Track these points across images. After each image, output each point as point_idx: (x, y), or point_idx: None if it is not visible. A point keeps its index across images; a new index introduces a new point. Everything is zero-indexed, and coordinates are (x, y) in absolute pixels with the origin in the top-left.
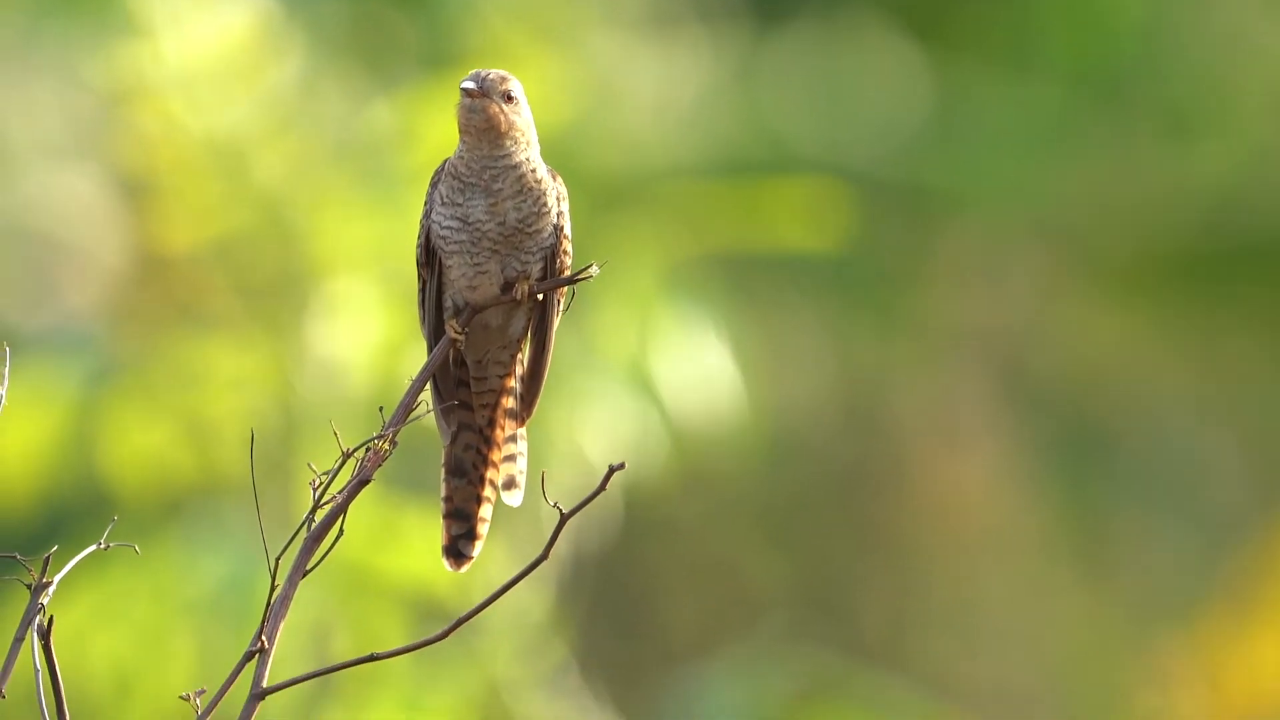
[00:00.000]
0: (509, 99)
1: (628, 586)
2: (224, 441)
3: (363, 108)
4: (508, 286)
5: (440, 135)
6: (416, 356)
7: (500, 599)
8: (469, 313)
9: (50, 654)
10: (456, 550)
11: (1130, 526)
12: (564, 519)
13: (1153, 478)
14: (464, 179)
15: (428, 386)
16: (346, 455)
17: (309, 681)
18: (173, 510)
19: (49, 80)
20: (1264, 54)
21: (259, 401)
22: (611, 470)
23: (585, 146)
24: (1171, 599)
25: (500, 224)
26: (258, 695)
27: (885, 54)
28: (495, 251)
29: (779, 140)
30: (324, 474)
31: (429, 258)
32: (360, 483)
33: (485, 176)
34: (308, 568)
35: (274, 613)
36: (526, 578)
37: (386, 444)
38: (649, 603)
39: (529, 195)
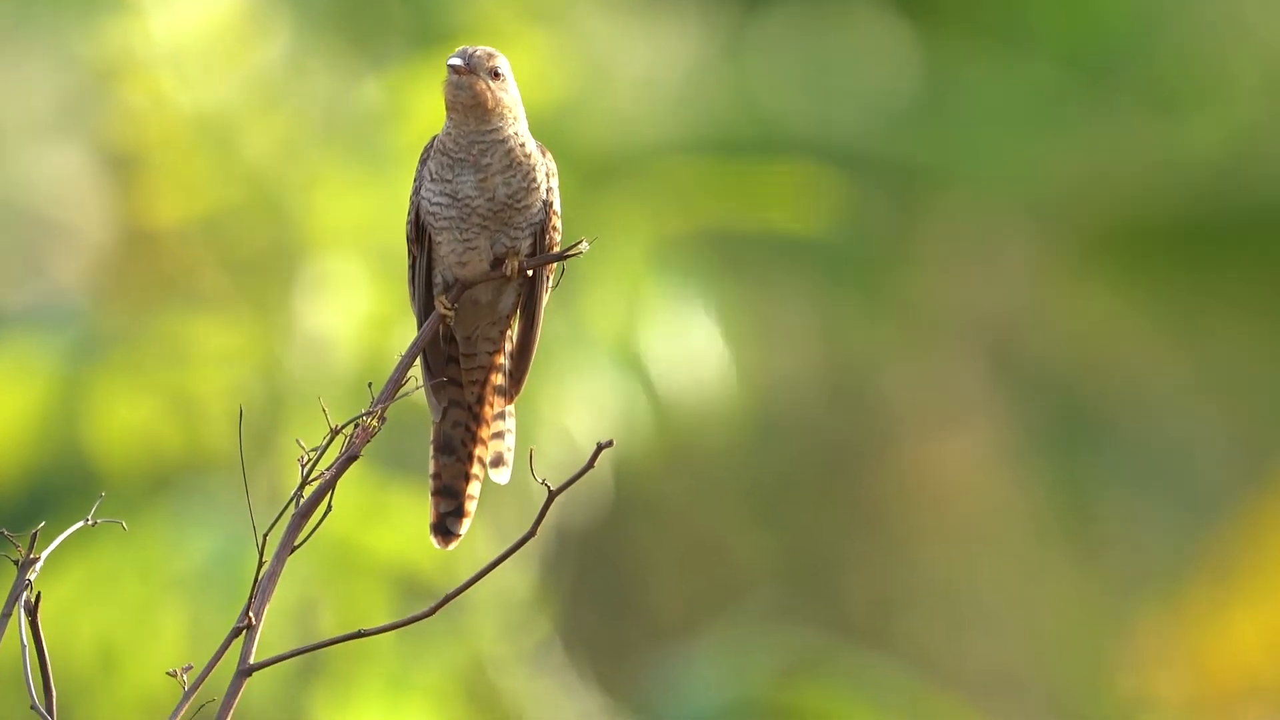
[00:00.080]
0: (496, 75)
1: (613, 564)
2: (211, 418)
3: (351, 84)
4: (497, 262)
5: (429, 112)
6: (405, 333)
7: (485, 576)
8: (458, 289)
9: (37, 630)
10: (444, 528)
11: (1119, 507)
12: (552, 496)
13: (1142, 459)
14: (453, 155)
15: (417, 363)
16: (335, 431)
17: (295, 658)
18: (160, 486)
19: (38, 56)
20: (1254, 31)
21: (246, 377)
22: (600, 447)
23: (574, 124)
24: (1159, 579)
25: (489, 199)
26: (245, 671)
27: (874, 31)
28: (485, 227)
29: (768, 118)
30: (312, 450)
31: (419, 234)
32: (348, 459)
33: (474, 152)
34: (295, 544)
35: (261, 589)
36: (511, 556)
37: (375, 420)
38: (634, 580)
39: (518, 170)
